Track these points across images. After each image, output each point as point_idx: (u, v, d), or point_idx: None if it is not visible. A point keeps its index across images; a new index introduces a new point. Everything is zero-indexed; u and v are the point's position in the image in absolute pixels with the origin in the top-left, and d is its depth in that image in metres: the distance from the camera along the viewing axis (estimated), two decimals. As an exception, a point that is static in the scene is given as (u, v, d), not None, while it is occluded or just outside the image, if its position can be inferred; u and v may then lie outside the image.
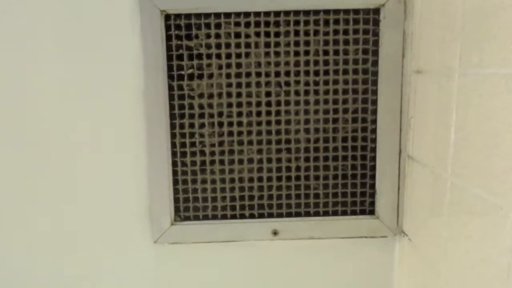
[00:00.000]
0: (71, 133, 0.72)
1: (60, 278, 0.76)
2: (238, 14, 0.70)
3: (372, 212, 0.75)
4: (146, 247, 0.75)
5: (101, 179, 0.74)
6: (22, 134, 0.72)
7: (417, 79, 0.68)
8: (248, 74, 0.72)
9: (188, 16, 0.70)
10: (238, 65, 0.71)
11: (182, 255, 0.76)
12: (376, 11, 0.70)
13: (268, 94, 0.72)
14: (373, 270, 0.77)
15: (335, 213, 0.75)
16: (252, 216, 0.76)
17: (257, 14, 0.70)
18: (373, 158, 0.74)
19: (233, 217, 0.76)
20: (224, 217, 0.76)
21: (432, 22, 0.63)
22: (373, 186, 0.74)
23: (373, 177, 0.74)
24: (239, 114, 0.73)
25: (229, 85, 0.72)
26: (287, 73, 0.72)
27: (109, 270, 0.76)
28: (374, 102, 0.72)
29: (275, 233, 0.75)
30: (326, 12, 0.70)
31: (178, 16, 0.70)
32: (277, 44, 0.71)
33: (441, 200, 0.62)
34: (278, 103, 0.72)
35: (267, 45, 0.71)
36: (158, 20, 0.69)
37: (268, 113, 0.73)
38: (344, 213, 0.75)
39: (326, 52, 0.71)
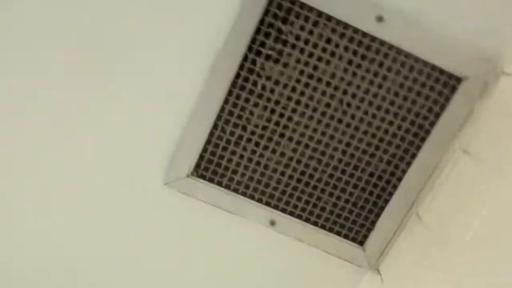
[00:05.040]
0: (137, 54, 0.72)
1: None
2: (338, 22, 0.70)
3: (361, 243, 0.81)
4: (155, 186, 0.78)
5: (140, 106, 0.75)
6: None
7: (460, 157, 0.72)
8: (319, 80, 0.73)
9: (293, 1, 0.69)
10: (315, 67, 0.72)
11: (184, 207, 0.80)
12: (458, 80, 0.72)
13: (327, 105, 0.74)
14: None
15: (330, 230, 0.81)
16: (259, 200, 0.80)
17: (356, 30, 0.70)
18: (386, 201, 0.79)
19: (243, 194, 0.80)
20: (235, 190, 0.79)
21: (505, 119, 0.66)
22: (373, 223, 0.80)
23: (378, 216, 0.80)
24: (293, 110, 0.75)
25: (298, 81, 0.73)
26: (354, 95, 0.74)
27: (112, 196, 0.79)
28: (409, 163, 0.76)
29: (272, 223, 0.81)
30: (417, 59, 0.71)
31: (284, -4, 0.69)
32: (358, 66, 0.72)
33: (426, 263, 0.68)
34: (332, 117, 0.75)
35: (350, 62, 0.72)
36: (264, -9, 0.68)
37: (319, 121, 0.75)
38: (338, 233, 0.81)
39: (396, 94, 0.73)
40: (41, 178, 0.78)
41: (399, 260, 0.79)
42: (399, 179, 0.78)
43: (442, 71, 0.72)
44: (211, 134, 0.76)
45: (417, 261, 0.75)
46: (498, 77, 0.71)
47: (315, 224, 0.81)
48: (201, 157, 0.77)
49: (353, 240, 0.82)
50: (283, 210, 0.81)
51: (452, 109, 0.73)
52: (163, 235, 0.82)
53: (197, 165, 0.78)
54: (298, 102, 0.74)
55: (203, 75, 0.73)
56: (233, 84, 0.73)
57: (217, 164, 0.78)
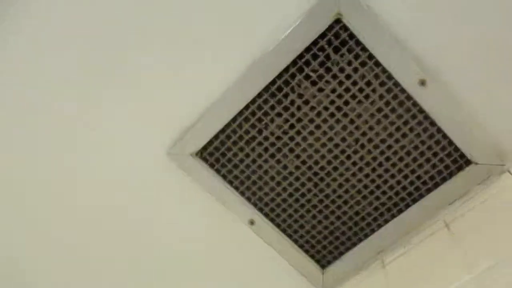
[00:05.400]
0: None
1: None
2: (384, 71, 0.71)
3: (323, 267, 0.87)
4: (158, 154, 0.80)
5: (169, 84, 0.75)
6: None
7: (441, 229, 0.77)
8: (345, 114, 0.75)
9: (351, 35, 0.70)
10: (346, 102, 0.74)
11: (176, 181, 0.82)
12: (468, 162, 0.76)
13: (343, 139, 0.77)
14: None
15: (301, 246, 0.86)
16: (248, 198, 0.83)
17: (397, 84, 0.72)
18: (360, 240, 0.84)
19: (235, 188, 0.83)
20: (229, 182, 0.82)
21: (493, 212, 0.71)
22: (341, 254, 0.85)
23: (347, 249, 0.85)
24: (311, 133, 0.77)
25: (326, 108, 0.75)
26: (370, 140, 0.76)
27: (116, 153, 0.81)
28: (393, 216, 0.81)
29: (251, 222, 0.84)
30: (439, 130, 0.74)
31: (345, 27, 0.69)
32: (385, 116, 0.75)
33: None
34: (342, 152, 0.78)
35: (379, 110, 0.74)
36: (327, 17, 0.69)
37: (330, 151, 0.78)
38: (307, 251, 0.86)
39: (408, 153, 0.77)
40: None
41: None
42: (379, 226, 0.82)
43: (456, 149, 0.75)
44: (228, 125, 0.78)
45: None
46: (502, 173, 0.75)
47: (289, 236, 0.86)
48: (210, 142, 0.79)
49: (317, 261, 0.87)
50: (266, 215, 0.84)
51: (452, 184, 0.77)
52: (147, 201, 0.84)
53: (204, 148, 0.80)
54: (318, 127, 0.77)
55: (239, 70, 0.74)
56: (266, 88, 0.74)
57: (222, 154, 0.80)
